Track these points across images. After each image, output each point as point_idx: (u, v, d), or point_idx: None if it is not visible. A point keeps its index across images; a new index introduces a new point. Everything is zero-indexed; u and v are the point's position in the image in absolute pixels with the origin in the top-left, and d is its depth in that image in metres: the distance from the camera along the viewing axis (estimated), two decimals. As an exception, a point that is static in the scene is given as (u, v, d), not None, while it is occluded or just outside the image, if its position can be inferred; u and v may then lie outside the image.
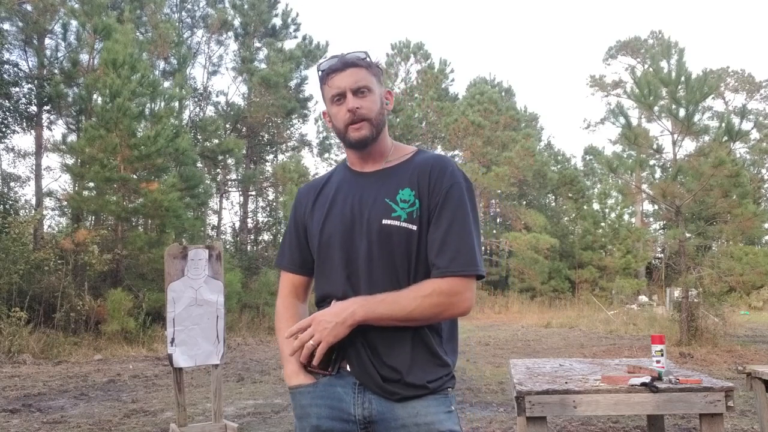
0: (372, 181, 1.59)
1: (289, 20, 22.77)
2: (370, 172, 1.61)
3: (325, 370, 1.54)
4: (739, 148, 26.23)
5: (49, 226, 17.49)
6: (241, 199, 23.83)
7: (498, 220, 32.09)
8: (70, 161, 13.92)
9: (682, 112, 11.13)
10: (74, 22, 14.96)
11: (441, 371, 1.54)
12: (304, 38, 22.95)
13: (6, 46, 14.45)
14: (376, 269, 1.50)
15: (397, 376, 1.49)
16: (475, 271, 1.47)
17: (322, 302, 1.59)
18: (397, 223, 1.50)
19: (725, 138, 10.95)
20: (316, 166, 36.17)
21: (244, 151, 21.72)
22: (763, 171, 31.20)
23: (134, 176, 13.09)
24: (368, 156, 1.61)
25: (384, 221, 1.51)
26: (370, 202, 1.54)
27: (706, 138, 11.71)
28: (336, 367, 1.54)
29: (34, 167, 16.52)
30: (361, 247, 1.52)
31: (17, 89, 15.08)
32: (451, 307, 1.47)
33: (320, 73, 1.60)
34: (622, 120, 12.02)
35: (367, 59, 1.59)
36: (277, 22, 22.57)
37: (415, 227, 1.50)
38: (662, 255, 26.34)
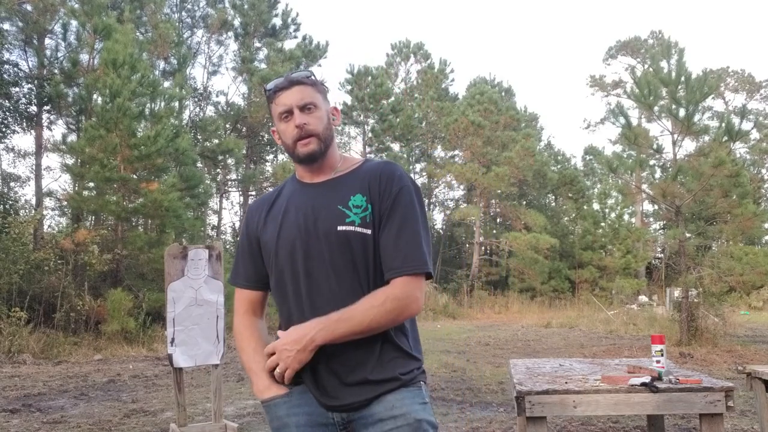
0: (323, 191, 1.61)
1: (289, 20, 22.78)
2: (320, 183, 1.64)
3: (293, 383, 1.57)
4: (739, 148, 26.25)
5: (49, 226, 17.52)
6: (241, 199, 23.84)
7: (498, 220, 32.11)
8: (70, 161, 13.93)
9: (682, 112, 11.13)
10: (74, 22, 14.97)
11: (412, 364, 1.57)
12: (304, 38, 22.97)
13: (6, 46, 14.45)
14: (337, 276, 1.53)
15: (363, 379, 1.52)
16: (424, 270, 1.51)
17: (287, 321, 1.60)
18: (351, 228, 1.53)
19: (725, 138, 10.95)
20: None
21: (244, 151, 21.73)
22: (763, 171, 31.21)
23: (134, 176, 13.09)
24: (318, 169, 1.64)
25: (339, 227, 1.53)
26: (323, 210, 1.57)
27: (706, 138, 11.71)
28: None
29: (34, 167, 16.54)
30: (320, 255, 1.54)
31: (17, 89, 15.09)
32: (405, 309, 1.50)
33: (267, 92, 1.64)
34: (622, 120, 12.02)
35: (312, 77, 1.65)
36: (277, 22, 22.58)
37: (369, 231, 1.54)
38: (662, 255, 26.35)
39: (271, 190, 1.85)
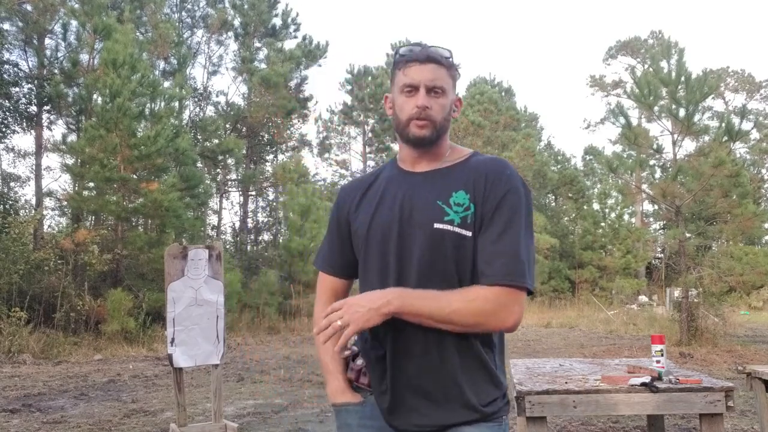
0: (423, 182, 1.48)
1: (289, 20, 22.76)
2: (421, 172, 1.51)
3: (372, 388, 1.47)
4: (739, 148, 26.23)
5: (49, 226, 17.51)
6: (241, 199, 23.82)
7: (498, 220, 32.03)
8: (70, 161, 13.92)
9: (682, 112, 11.13)
10: (74, 22, 14.97)
11: (495, 392, 1.43)
12: (304, 38, 22.95)
13: (6, 46, 14.45)
14: (426, 276, 1.40)
15: (439, 399, 1.39)
16: (524, 284, 1.35)
17: None
18: (449, 227, 1.40)
19: (725, 138, 10.95)
20: (316, 166, 36.22)
21: (244, 151, 21.72)
22: (763, 171, 31.22)
23: (134, 176, 13.08)
24: (424, 155, 1.51)
25: (436, 225, 1.41)
26: (420, 203, 1.45)
27: (706, 138, 11.71)
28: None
29: (34, 167, 16.53)
30: (411, 251, 1.43)
31: (17, 89, 15.09)
32: (495, 317, 1.35)
33: (398, 56, 1.50)
34: (622, 120, 12.02)
35: (450, 59, 1.50)
36: (277, 22, 22.56)
37: (469, 233, 1.40)
38: (662, 255, 26.34)
39: (360, 174, 1.71)
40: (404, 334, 1.40)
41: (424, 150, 1.49)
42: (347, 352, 1.51)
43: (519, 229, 1.39)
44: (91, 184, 13.34)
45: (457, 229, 1.40)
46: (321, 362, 1.56)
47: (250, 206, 24.23)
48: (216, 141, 20.03)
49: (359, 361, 1.51)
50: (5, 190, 16.83)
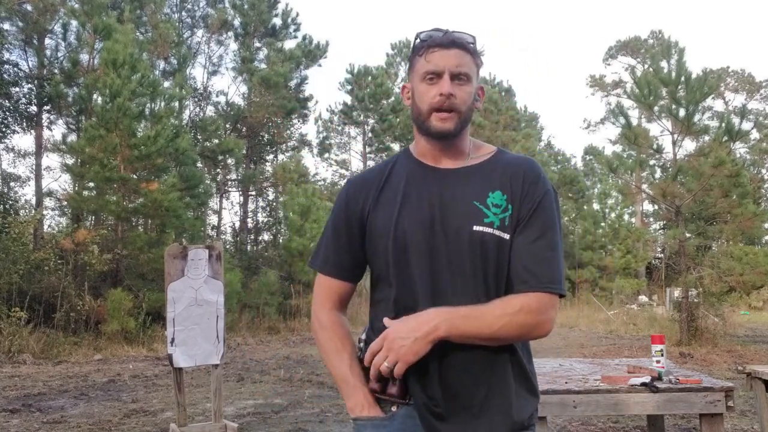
0: (454, 180, 1.38)
1: (289, 20, 22.75)
2: (449, 169, 1.40)
3: (403, 399, 1.34)
4: (739, 148, 26.22)
5: (49, 226, 17.52)
6: (241, 199, 23.81)
7: (498, 220, 32.06)
8: (70, 161, 13.92)
9: (682, 112, 11.13)
10: (74, 22, 14.97)
11: (534, 402, 1.39)
12: (304, 38, 22.93)
13: (6, 46, 14.45)
14: (465, 282, 1.32)
15: (485, 411, 1.32)
16: (561, 290, 1.32)
17: (396, 307, 1.36)
18: (490, 230, 1.31)
19: (725, 138, 10.95)
20: (316, 166, 36.23)
21: (244, 151, 21.71)
22: (763, 171, 31.21)
23: (134, 176, 13.09)
24: (446, 150, 1.40)
25: (475, 227, 1.31)
26: (454, 204, 1.34)
27: (706, 138, 11.71)
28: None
29: (34, 167, 16.54)
30: (447, 255, 1.33)
31: (17, 89, 15.09)
32: (537, 326, 1.30)
33: (418, 41, 1.39)
34: (622, 120, 12.02)
35: (474, 45, 1.40)
36: (277, 22, 22.55)
37: (507, 236, 1.32)
38: (662, 255, 26.33)
39: (373, 165, 1.56)
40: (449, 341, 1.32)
41: (447, 144, 1.39)
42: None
43: (555, 233, 1.35)
44: (91, 184, 13.34)
45: (497, 232, 1.32)
46: (335, 373, 1.41)
47: (250, 206, 24.23)
48: (216, 141, 20.03)
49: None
50: (5, 190, 16.84)
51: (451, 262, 1.32)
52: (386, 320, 1.32)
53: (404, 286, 1.35)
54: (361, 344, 1.43)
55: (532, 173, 1.38)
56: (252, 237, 23.93)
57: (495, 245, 1.32)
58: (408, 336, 1.24)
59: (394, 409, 1.36)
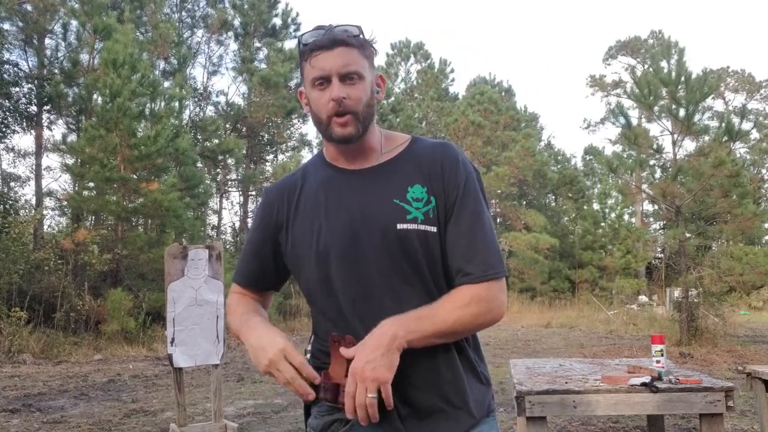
0: (370, 180, 1.33)
1: (289, 20, 22.76)
2: (364, 170, 1.35)
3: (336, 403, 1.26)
4: (739, 148, 26.26)
5: (49, 226, 17.53)
6: (241, 199, 23.83)
7: (498, 220, 32.10)
8: (70, 161, 13.94)
9: (682, 112, 11.14)
10: (74, 22, 14.98)
11: (487, 390, 1.38)
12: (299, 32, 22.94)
13: (6, 46, 14.46)
14: (402, 285, 1.28)
15: (439, 408, 1.29)
16: (503, 273, 1.30)
17: (327, 319, 1.33)
18: (414, 226, 1.27)
19: (725, 138, 10.95)
20: (316, 166, 36.19)
21: (244, 151, 21.73)
22: (763, 171, 31.22)
23: (134, 176, 13.10)
24: (356, 151, 1.35)
25: (399, 226, 1.27)
26: (374, 205, 1.30)
27: (706, 138, 11.72)
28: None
29: (34, 167, 16.55)
30: (376, 261, 1.28)
31: (17, 89, 15.10)
32: (489, 313, 1.28)
33: (301, 46, 1.32)
34: (622, 120, 12.03)
35: (361, 36, 1.32)
36: (277, 22, 22.57)
37: (434, 228, 1.29)
38: (662, 255, 26.33)
39: (289, 174, 1.50)
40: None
41: (355, 145, 1.33)
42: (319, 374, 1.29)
43: (484, 216, 1.32)
44: (91, 184, 13.35)
45: (422, 227, 1.28)
46: (233, 326, 1.40)
47: (250, 206, 24.23)
48: (216, 141, 20.04)
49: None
50: (5, 190, 16.84)
51: (382, 267, 1.28)
52: (342, 350, 1.23)
53: (328, 302, 1.32)
54: (308, 355, 1.38)
55: (449, 159, 1.33)
56: (252, 237, 23.93)
57: (423, 241, 1.28)
58: (373, 356, 1.18)
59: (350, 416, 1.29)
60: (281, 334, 1.29)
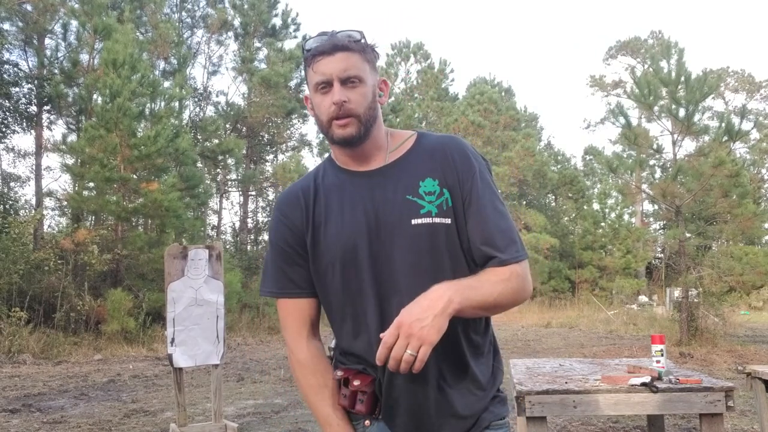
0: (381, 180, 1.35)
1: (289, 20, 22.76)
2: (375, 170, 1.37)
3: (372, 413, 1.31)
4: (739, 148, 26.20)
5: (49, 226, 17.53)
6: (241, 199, 23.84)
7: (498, 220, 32.06)
8: (70, 161, 13.93)
9: (682, 112, 11.14)
10: (74, 22, 14.98)
11: (485, 397, 1.38)
12: (304, 38, 22.49)
13: (6, 46, 14.46)
14: (424, 278, 1.27)
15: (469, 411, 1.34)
16: (526, 255, 1.35)
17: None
18: (429, 220, 1.30)
19: (725, 138, 10.95)
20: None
21: (244, 151, 21.73)
22: (763, 171, 31.20)
23: (134, 176, 13.10)
24: (362, 153, 1.37)
25: (414, 221, 1.30)
26: (387, 203, 1.32)
27: (706, 138, 11.71)
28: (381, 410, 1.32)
29: (34, 167, 16.55)
30: (393, 256, 1.31)
31: (17, 89, 15.10)
32: (525, 291, 1.32)
33: (305, 52, 1.36)
34: (622, 120, 12.02)
35: (362, 41, 1.35)
36: (277, 22, 22.56)
37: (449, 220, 1.31)
38: (662, 255, 26.34)
39: (299, 179, 1.50)
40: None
41: (360, 148, 1.35)
42: (340, 374, 1.34)
43: (500, 201, 1.36)
44: (91, 184, 13.35)
45: (437, 220, 1.30)
46: (317, 414, 1.37)
47: (250, 206, 24.26)
48: (216, 141, 20.04)
49: (356, 382, 1.32)
50: (5, 190, 16.84)
51: (402, 264, 1.30)
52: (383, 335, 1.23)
53: (350, 308, 1.34)
54: (331, 353, 1.41)
55: (459, 152, 1.36)
56: (252, 237, 23.95)
57: (439, 234, 1.30)
58: (425, 316, 1.17)
59: (367, 423, 1.34)
60: None
